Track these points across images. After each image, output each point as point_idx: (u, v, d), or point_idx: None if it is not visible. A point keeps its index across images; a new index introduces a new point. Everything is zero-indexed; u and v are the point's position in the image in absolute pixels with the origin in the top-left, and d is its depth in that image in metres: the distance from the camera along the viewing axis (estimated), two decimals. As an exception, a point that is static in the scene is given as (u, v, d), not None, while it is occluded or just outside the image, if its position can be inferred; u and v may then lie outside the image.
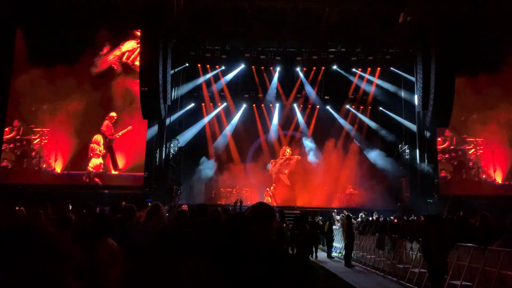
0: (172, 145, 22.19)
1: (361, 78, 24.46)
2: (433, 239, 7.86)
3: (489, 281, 7.06)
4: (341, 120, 25.02)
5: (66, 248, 0.82)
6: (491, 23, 19.70)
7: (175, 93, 22.55)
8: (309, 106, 25.17)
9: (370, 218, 15.69)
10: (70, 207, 8.66)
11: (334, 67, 23.95)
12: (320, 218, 17.39)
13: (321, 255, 15.59)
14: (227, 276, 2.28)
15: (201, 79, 24.28)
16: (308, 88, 24.88)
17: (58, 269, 0.77)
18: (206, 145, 24.45)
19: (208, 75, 24.34)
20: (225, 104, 24.88)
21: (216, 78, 24.46)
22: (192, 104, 24.06)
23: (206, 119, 24.67)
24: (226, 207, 14.16)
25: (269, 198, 23.05)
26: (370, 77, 24.29)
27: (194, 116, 24.18)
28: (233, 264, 2.32)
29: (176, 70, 22.17)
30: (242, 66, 23.98)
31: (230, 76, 24.35)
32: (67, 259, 0.80)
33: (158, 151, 21.19)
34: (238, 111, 24.86)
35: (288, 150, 24.67)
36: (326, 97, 24.92)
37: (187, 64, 23.53)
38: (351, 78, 24.53)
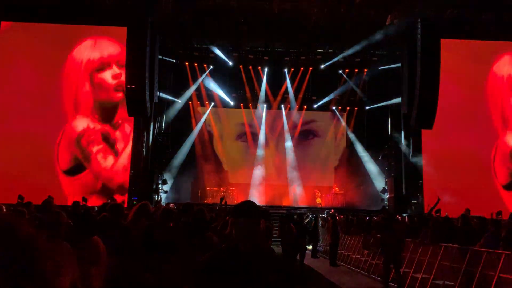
0: (158, 143, 22.11)
1: (348, 79, 24.62)
2: (388, 237, 9.20)
3: (471, 281, 7.19)
4: (327, 120, 25.23)
5: (45, 247, 0.81)
6: (478, 28, 20.06)
7: (162, 91, 22.38)
8: (296, 106, 25.27)
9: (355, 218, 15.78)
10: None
11: (322, 67, 24.06)
12: (311, 215, 17.40)
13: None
14: (212, 274, 2.28)
15: (189, 78, 24.17)
16: (295, 89, 24.96)
17: (39, 268, 0.76)
18: (193, 144, 24.39)
19: (196, 74, 24.23)
20: (212, 103, 24.83)
21: (204, 76, 24.36)
22: (179, 102, 23.93)
23: (193, 118, 24.63)
24: (213, 206, 14.17)
25: (319, 199, 23.12)
26: (357, 78, 24.49)
27: (181, 114, 24.08)
28: (220, 262, 2.32)
29: (163, 67, 22.02)
30: (230, 65, 23.94)
31: (218, 75, 24.28)
32: (46, 258, 0.79)
33: (144, 149, 21.04)
34: (225, 111, 24.83)
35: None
36: (313, 98, 25.05)
37: (174, 61, 23.40)
38: (338, 79, 24.70)
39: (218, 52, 23.27)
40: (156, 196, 20.21)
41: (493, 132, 21.14)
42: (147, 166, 21.11)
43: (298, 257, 11.10)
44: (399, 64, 21.56)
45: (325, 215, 18.76)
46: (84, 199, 15.60)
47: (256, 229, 2.32)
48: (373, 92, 24.06)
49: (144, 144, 20.96)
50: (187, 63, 23.94)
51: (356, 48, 23.21)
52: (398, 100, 21.45)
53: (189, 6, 20.03)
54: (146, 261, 4.66)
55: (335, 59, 23.50)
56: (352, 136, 24.77)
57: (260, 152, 24.89)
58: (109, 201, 14.59)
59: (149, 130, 21.31)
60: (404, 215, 16.17)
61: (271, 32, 22.14)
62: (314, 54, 24.06)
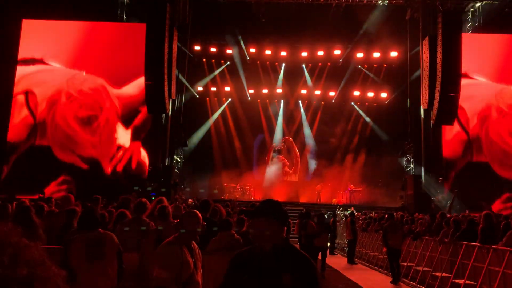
0: (176, 139, 22.24)
1: (367, 74, 24.33)
2: (391, 232, 9.99)
3: (493, 280, 7.02)
4: (345, 116, 25.01)
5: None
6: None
7: (180, 88, 22.48)
8: (314, 102, 25.11)
9: (374, 215, 15.61)
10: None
11: (340, 62, 23.79)
12: (329, 213, 17.21)
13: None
14: (236, 273, 2.26)
15: (206, 73, 24.25)
16: (313, 84, 24.79)
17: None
18: (210, 140, 24.48)
19: (213, 69, 24.29)
20: (229, 99, 24.85)
21: (221, 72, 24.40)
22: (197, 98, 24.05)
23: (210, 114, 24.72)
24: (228, 202, 14.19)
25: (335, 199, 23.04)
26: (376, 74, 24.18)
27: (199, 110, 24.18)
28: (242, 262, 2.29)
29: (181, 64, 22.15)
30: (247, 60, 23.90)
31: (235, 70, 24.27)
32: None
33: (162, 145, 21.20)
34: (242, 106, 24.82)
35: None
36: (331, 94, 24.83)
37: (191, 55, 23.46)
38: (357, 74, 24.42)
39: (235, 47, 23.25)
40: (174, 192, 20.33)
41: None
42: (165, 161, 21.26)
43: (319, 256, 10.98)
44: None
45: (347, 213, 18.53)
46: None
47: (271, 228, 2.29)
48: (393, 87, 23.71)
49: (162, 141, 21.09)
50: (204, 60, 24.00)
51: (375, 42, 22.98)
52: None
53: (206, 2, 20.08)
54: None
55: (354, 54, 23.27)
56: (371, 131, 24.49)
57: (277, 147, 24.84)
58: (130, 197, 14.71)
59: (167, 126, 21.44)
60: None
61: (289, 27, 22.04)
62: (332, 49, 23.87)
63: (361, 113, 24.72)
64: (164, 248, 3.10)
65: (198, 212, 3.36)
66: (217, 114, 24.81)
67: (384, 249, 12.12)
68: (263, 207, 2.35)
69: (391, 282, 9.99)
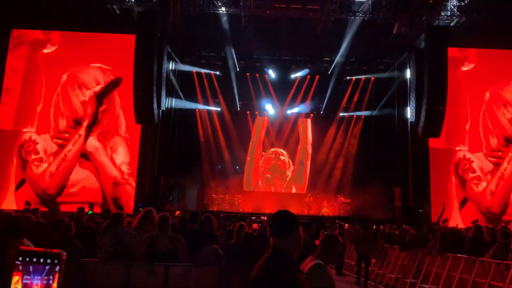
0: (164, 150, 22.16)
1: (355, 87, 24.56)
2: (361, 241, 11.16)
3: (480, 292, 7.08)
4: (334, 128, 25.18)
5: None
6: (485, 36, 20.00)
7: (169, 98, 22.49)
8: (303, 114, 25.24)
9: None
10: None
11: (328, 74, 24.02)
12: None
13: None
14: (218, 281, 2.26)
15: (196, 85, 24.28)
16: (302, 96, 24.94)
17: None
18: (199, 151, 24.40)
19: (203, 81, 24.32)
20: (219, 109, 24.87)
21: (211, 84, 24.43)
22: (186, 108, 24.05)
23: (199, 125, 24.67)
24: (217, 213, 14.13)
25: (325, 209, 22.90)
26: (364, 87, 24.44)
27: (187, 121, 24.16)
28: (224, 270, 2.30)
29: (170, 74, 22.18)
30: (237, 72, 24.00)
31: (224, 82, 24.33)
32: None
33: (150, 156, 21.10)
34: (232, 118, 24.85)
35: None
36: (320, 106, 25.00)
37: (180, 65, 23.49)
38: (345, 87, 24.65)
39: (225, 59, 23.37)
40: (162, 203, 20.20)
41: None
42: (153, 173, 21.15)
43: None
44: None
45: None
46: (90, 205, 15.66)
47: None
48: (380, 100, 23.97)
49: (150, 151, 20.99)
50: (194, 71, 24.05)
51: (363, 56, 23.27)
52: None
53: (196, 15, 20.15)
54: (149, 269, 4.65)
55: (342, 67, 23.52)
56: (359, 144, 24.64)
57: (267, 159, 24.87)
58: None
59: (156, 137, 21.37)
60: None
61: (278, 40, 22.22)
62: (321, 62, 24.11)
63: (356, 117, 24.82)
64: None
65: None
66: (207, 125, 24.77)
67: (373, 261, 12.20)
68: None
69: (355, 284, 11.16)
